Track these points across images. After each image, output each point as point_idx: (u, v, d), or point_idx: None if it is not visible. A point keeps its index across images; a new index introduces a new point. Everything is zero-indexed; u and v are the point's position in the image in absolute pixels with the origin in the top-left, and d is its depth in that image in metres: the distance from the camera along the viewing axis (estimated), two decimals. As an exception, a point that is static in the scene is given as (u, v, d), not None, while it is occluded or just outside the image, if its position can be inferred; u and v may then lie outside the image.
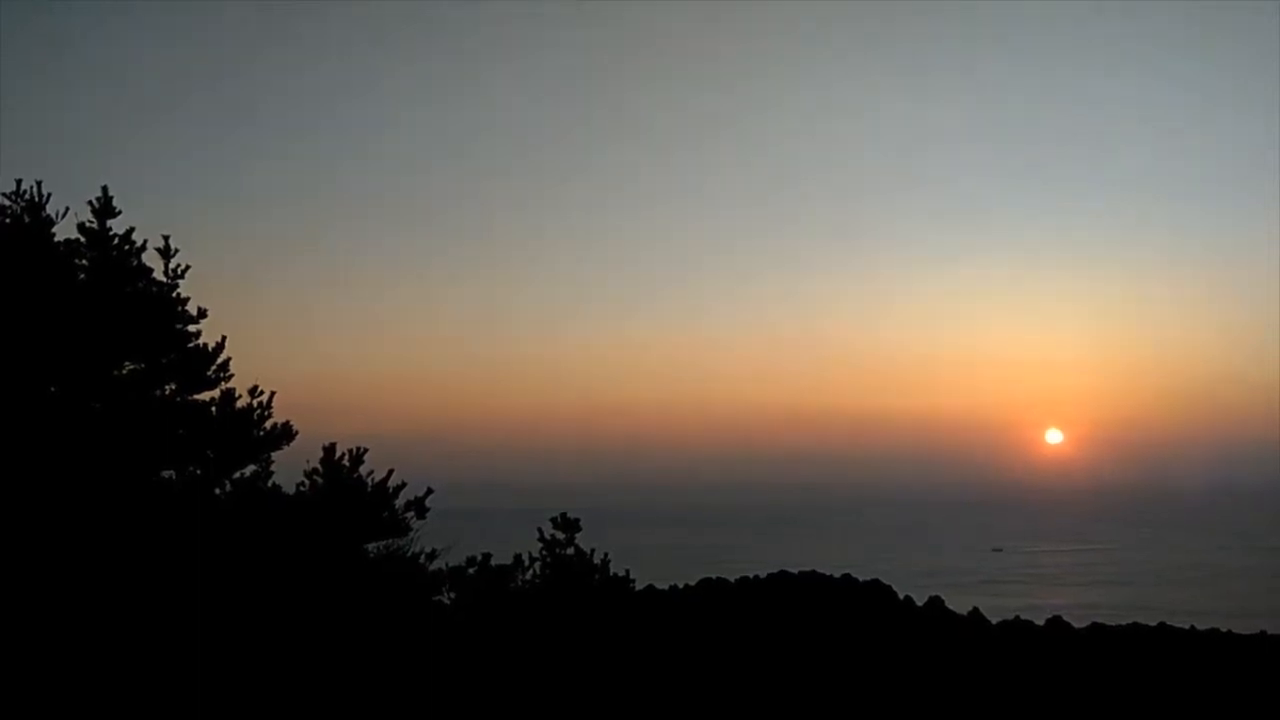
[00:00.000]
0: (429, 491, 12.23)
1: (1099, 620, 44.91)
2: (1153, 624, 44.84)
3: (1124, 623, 45.32)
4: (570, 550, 12.76)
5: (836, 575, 43.82)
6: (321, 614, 10.32)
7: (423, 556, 11.95)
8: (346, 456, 12.09)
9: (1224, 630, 44.79)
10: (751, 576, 44.09)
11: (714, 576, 44.22)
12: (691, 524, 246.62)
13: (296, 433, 12.85)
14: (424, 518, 12.12)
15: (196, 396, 12.67)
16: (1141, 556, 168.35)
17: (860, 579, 43.54)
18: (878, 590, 42.04)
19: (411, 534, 12.08)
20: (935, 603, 43.02)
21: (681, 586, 42.35)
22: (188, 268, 12.88)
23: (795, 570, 44.66)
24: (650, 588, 40.29)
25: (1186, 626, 44.72)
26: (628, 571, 14.42)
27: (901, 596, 42.95)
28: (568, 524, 12.71)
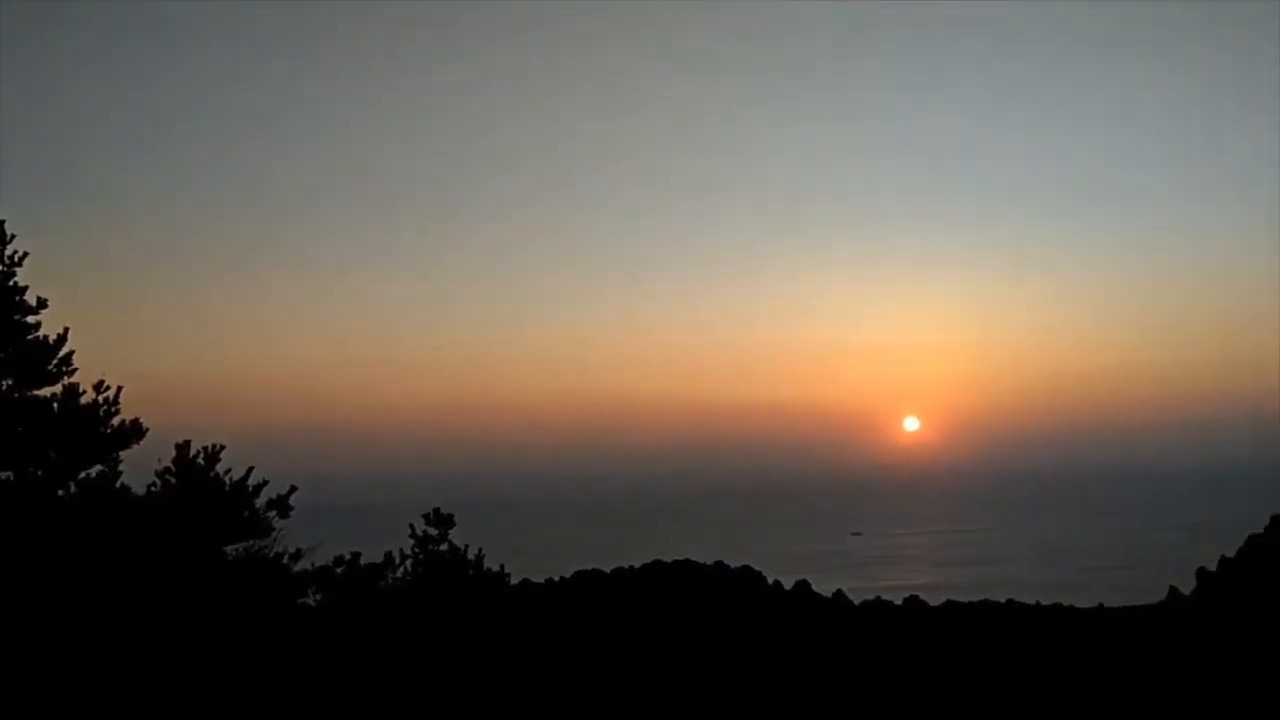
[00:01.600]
0: (292, 489, 11.76)
1: (953, 598, 47.31)
2: (1002, 600, 47.61)
3: (975, 599, 47.96)
4: (444, 547, 12.53)
5: (709, 563, 44.64)
6: (175, 619, 9.78)
7: (286, 557, 11.50)
8: (202, 454, 11.51)
9: (1066, 605, 47.97)
10: (626, 567, 44.41)
11: (589, 568, 44.26)
12: (571, 515, 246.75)
13: (147, 430, 12.14)
14: (287, 517, 11.66)
15: (36, 392, 11.82)
16: (994, 537, 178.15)
17: (732, 565, 44.48)
18: (749, 576, 43.04)
19: (274, 534, 11.59)
20: (802, 586, 44.40)
21: (557, 579, 42.30)
22: (25, 255, 12.00)
23: (669, 560, 45.23)
24: (525, 582, 40.07)
25: (1033, 602, 47.68)
26: (502, 566, 14.27)
27: (771, 581, 44.12)
28: (441, 520, 12.48)
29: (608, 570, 43.89)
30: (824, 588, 48.16)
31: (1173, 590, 48.73)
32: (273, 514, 11.56)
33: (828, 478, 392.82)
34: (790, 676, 27.46)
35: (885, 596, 50.08)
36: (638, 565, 44.14)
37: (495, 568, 13.51)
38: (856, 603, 45.61)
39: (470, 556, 12.97)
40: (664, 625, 35.25)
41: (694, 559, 44.96)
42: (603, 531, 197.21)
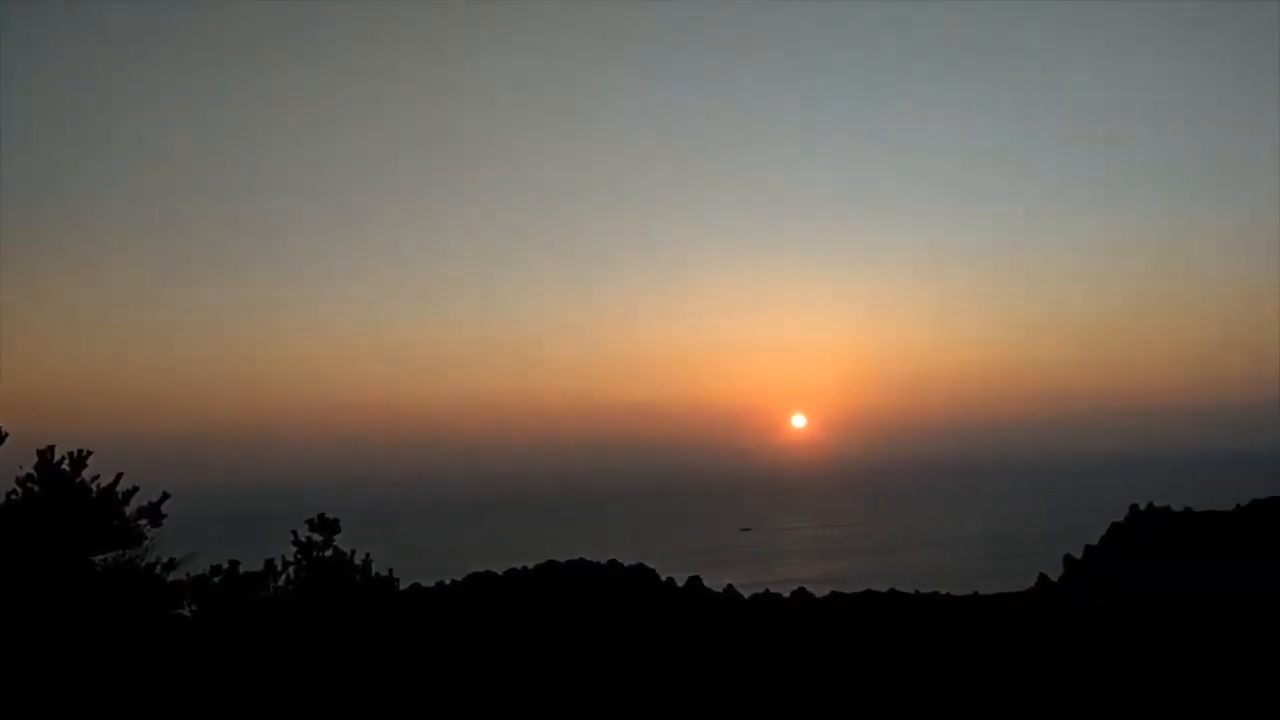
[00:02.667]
0: (165, 496, 11.19)
1: (838, 589, 48.61)
2: (884, 590, 49.17)
3: (859, 590, 49.40)
4: (329, 552, 12.14)
5: (603, 562, 44.64)
6: (37, 632, 9.17)
7: (159, 567, 10.93)
8: (66, 460, 10.84)
9: (944, 593, 49.90)
10: (520, 568, 43.99)
11: (481, 570, 43.65)
12: (461, 519, 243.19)
13: (6, 435, 11.38)
14: (159, 525, 11.09)
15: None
16: (877, 529, 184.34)
17: (626, 564, 44.58)
18: (642, 574, 43.23)
19: (146, 543, 11.01)
20: (694, 582, 44.86)
21: (449, 582, 41.56)
22: None
23: (563, 560, 45.04)
24: (416, 586, 39.22)
25: (912, 591, 49.41)
26: (391, 571, 13.89)
27: (664, 578, 44.44)
28: (325, 525, 12.08)
29: (500, 572, 43.40)
30: (715, 583, 48.80)
31: (1042, 576, 51.26)
32: (144, 522, 10.97)
33: (719, 475, 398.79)
34: (683, 673, 27.71)
35: (774, 589, 51.11)
36: (531, 566, 43.80)
37: (383, 572, 13.16)
38: (747, 596, 46.38)
39: (357, 562, 12.59)
40: (560, 625, 35.08)
41: (588, 558, 44.90)
42: (494, 533, 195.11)
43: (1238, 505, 46.64)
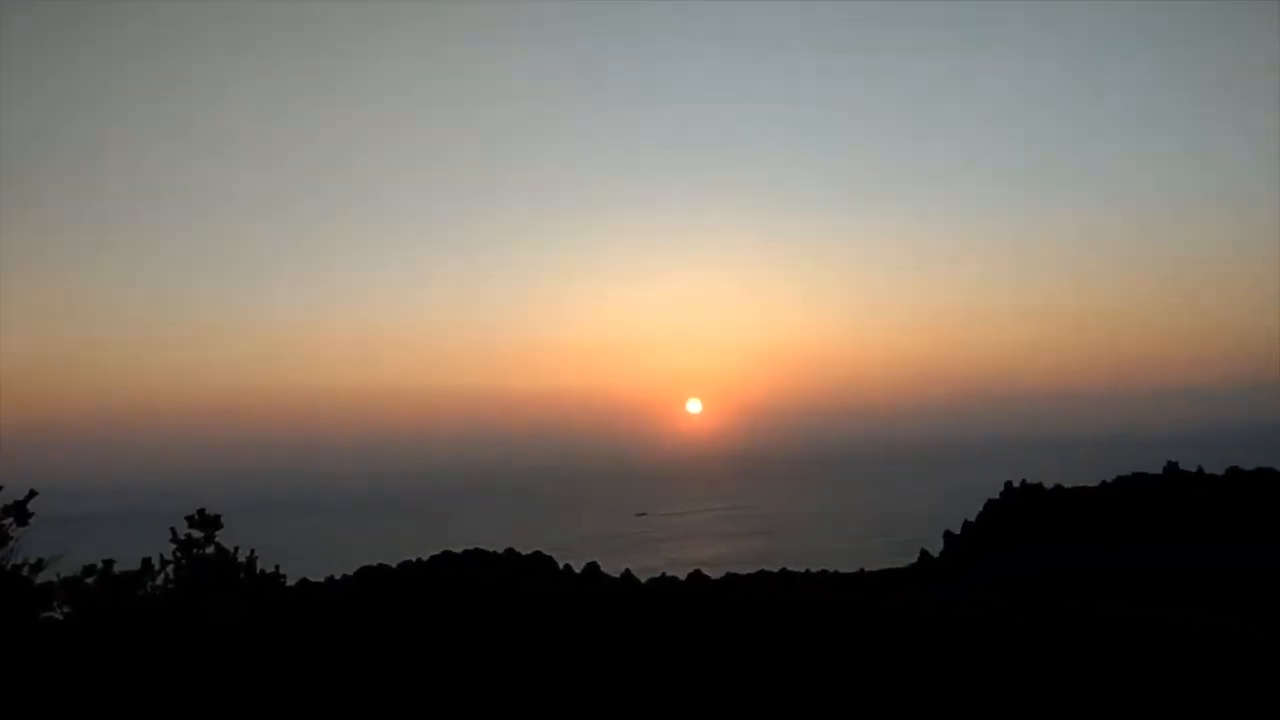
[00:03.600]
0: (31, 494, 10.63)
1: (733, 570, 49.63)
2: (775, 570, 50.46)
3: (753, 570, 50.58)
4: (210, 550, 11.73)
5: (500, 551, 44.48)
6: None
7: (26, 568, 10.40)
8: (-81, 459, 10.20)
9: (832, 571, 51.53)
10: (414, 560, 43.43)
11: (374, 564, 42.89)
12: (356, 511, 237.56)
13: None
14: (26, 524, 10.54)
15: None
16: (771, 512, 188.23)
17: (523, 552, 44.53)
18: (540, 561, 43.26)
19: (12, 543, 10.45)
20: (592, 568, 45.15)
21: (339, 577, 40.68)
22: None
23: (459, 550, 44.67)
24: (304, 581, 38.22)
25: (803, 570, 50.87)
26: (278, 567, 13.52)
27: (562, 565, 44.56)
28: (206, 521, 11.66)
29: (394, 565, 42.74)
30: (612, 568, 49.19)
31: (923, 552, 53.44)
32: (9, 521, 10.40)
33: (615, 462, 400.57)
34: (581, 657, 27.92)
35: (670, 573, 51.84)
36: (426, 558, 43.29)
37: (270, 569, 12.79)
38: (643, 580, 46.92)
39: (241, 559, 12.20)
40: (456, 616, 34.77)
41: (485, 548, 44.65)
42: (389, 526, 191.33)
43: (1103, 482, 49.52)
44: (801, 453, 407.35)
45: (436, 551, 44.44)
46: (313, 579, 39.64)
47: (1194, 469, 47.54)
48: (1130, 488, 45.48)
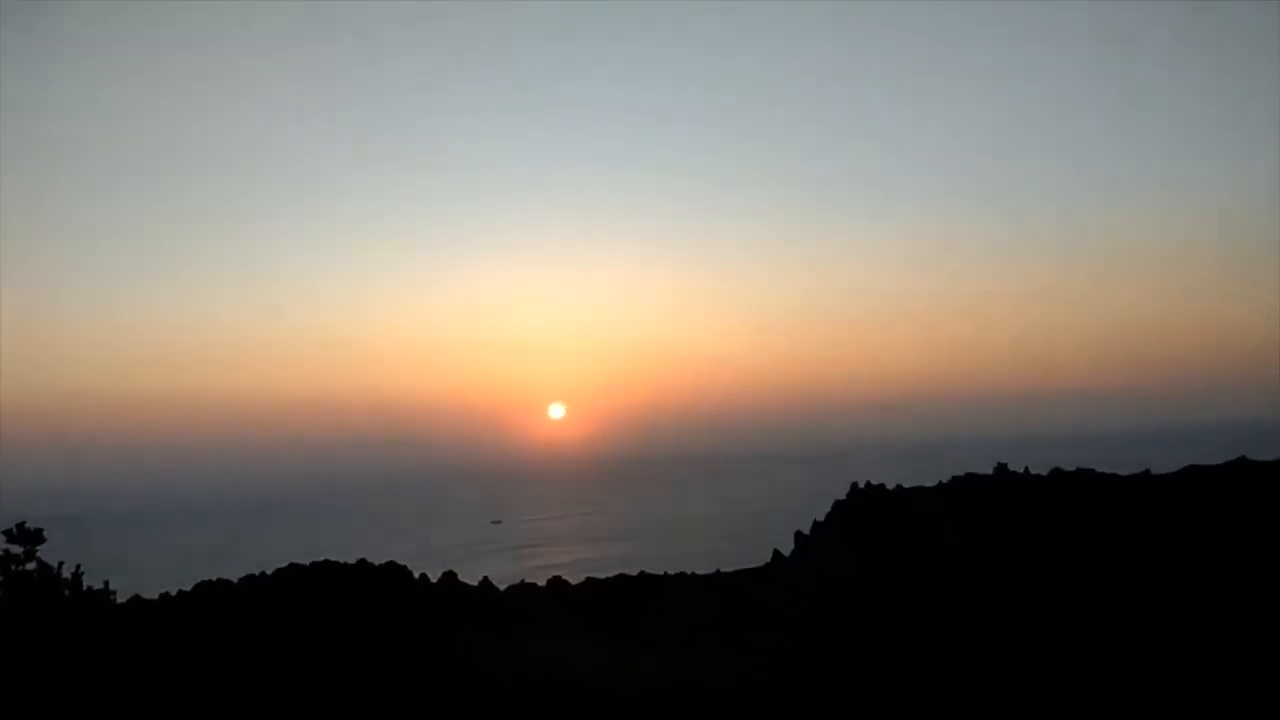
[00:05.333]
0: None
1: (592, 575, 49.83)
2: (634, 573, 50.95)
3: (612, 575, 50.87)
4: (31, 565, 11.00)
5: (351, 562, 43.05)
6: None
7: None
8: None
9: (690, 573, 52.42)
10: (259, 574, 41.54)
11: (213, 578, 40.78)
12: (196, 523, 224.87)
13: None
14: None
15: None
16: (632, 515, 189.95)
17: (375, 563, 43.27)
18: (393, 572, 42.16)
19: None
20: (449, 577, 44.38)
21: (175, 593, 38.47)
22: None
23: (307, 562, 42.99)
24: (136, 598, 35.93)
25: (661, 573, 51.54)
26: (107, 583, 12.76)
27: (417, 575, 43.57)
28: (26, 536, 10.94)
29: (235, 579, 40.77)
30: (470, 576, 48.52)
31: (776, 553, 55.08)
32: None
33: (472, 468, 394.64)
34: (440, 667, 27.44)
35: (530, 579, 51.54)
36: (270, 571, 41.47)
37: (98, 585, 12.11)
38: (503, 588, 46.49)
39: (66, 575, 11.52)
40: (303, 631, 33.52)
41: (334, 559, 43.13)
42: (233, 537, 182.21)
43: (940, 482, 52.34)
44: (666, 456, 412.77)
45: (283, 564, 42.68)
46: (145, 595, 37.36)
47: (1021, 469, 50.88)
48: (961, 486, 48.34)
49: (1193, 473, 48.84)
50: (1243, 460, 48.35)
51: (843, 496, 53.16)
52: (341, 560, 43.29)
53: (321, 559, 43.06)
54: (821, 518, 53.02)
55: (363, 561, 43.29)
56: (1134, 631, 26.88)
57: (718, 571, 53.42)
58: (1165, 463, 52.05)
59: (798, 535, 52.49)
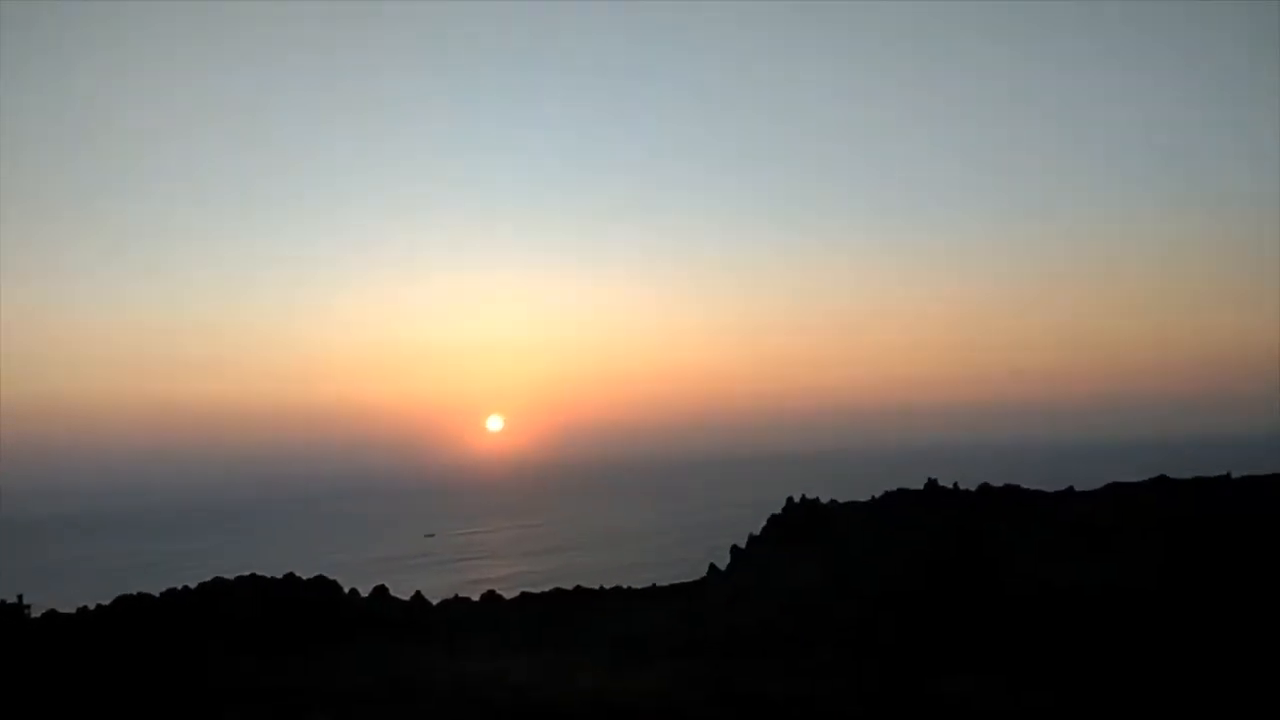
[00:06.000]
0: None
1: (527, 590, 49.42)
2: (570, 587, 50.69)
3: (548, 589, 50.54)
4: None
5: (279, 576, 42.13)
6: None
7: None
8: None
9: (627, 587, 52.35)
10: (180, 588, 40.40)
11: (134, 592, 39.50)
12: (125, 531, 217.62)
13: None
14: None
15: None
16: (569, 528, 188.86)
17: (304, 577, 42.41)
18: (322, 585, 41.36)
19: None
20: (380, 591, 43.67)
21: (94, 607, 37.16)
22: None
23: (232, 576, 41.96)
24: (52, 612, 34.61)
25: (598, 586, 51.39)
26: (20, 597, 12.30)
27: (347, 589, 42.79)
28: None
29: (158, 594, 39.59)
30: (403, 590, 47.81)
31: (712, 566, 55.34)
32: None
33: (404, 480, 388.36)
34: (372, 680, 26.94)
35: (464, 593, 50.97)
36: (194, 585, 40.36)
37: (12, 598, 11.68)
38: (435, 602, 45.89)
39: (-24, 589, 11.10)
40: (224, 647, 32.65)
41: (261, 573, 42.15)
42: (159, 549, 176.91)
43: (872, 496, 53.22)
44: (606, 468, 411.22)
45: (208, 578, 41.59)
46: (62, 609, 36.06)
47: (950, 484, 52.03)
48: (892, 500, 49.27)
49: (1114, 489, 50.45)
50: (1162, 478, 50.09)
51: (778, 510, 53.68)
52: (268, 574, 42.32)
53: (248, 573, 42.05)
54: (758, 531, 53.44)
55: (291, 575, 42.35)
56: (1043, 638, 27.63)
57: (654, 584, 53.45)
58: (1128, 474, 53.52)
59: (734, 549, 52.83)
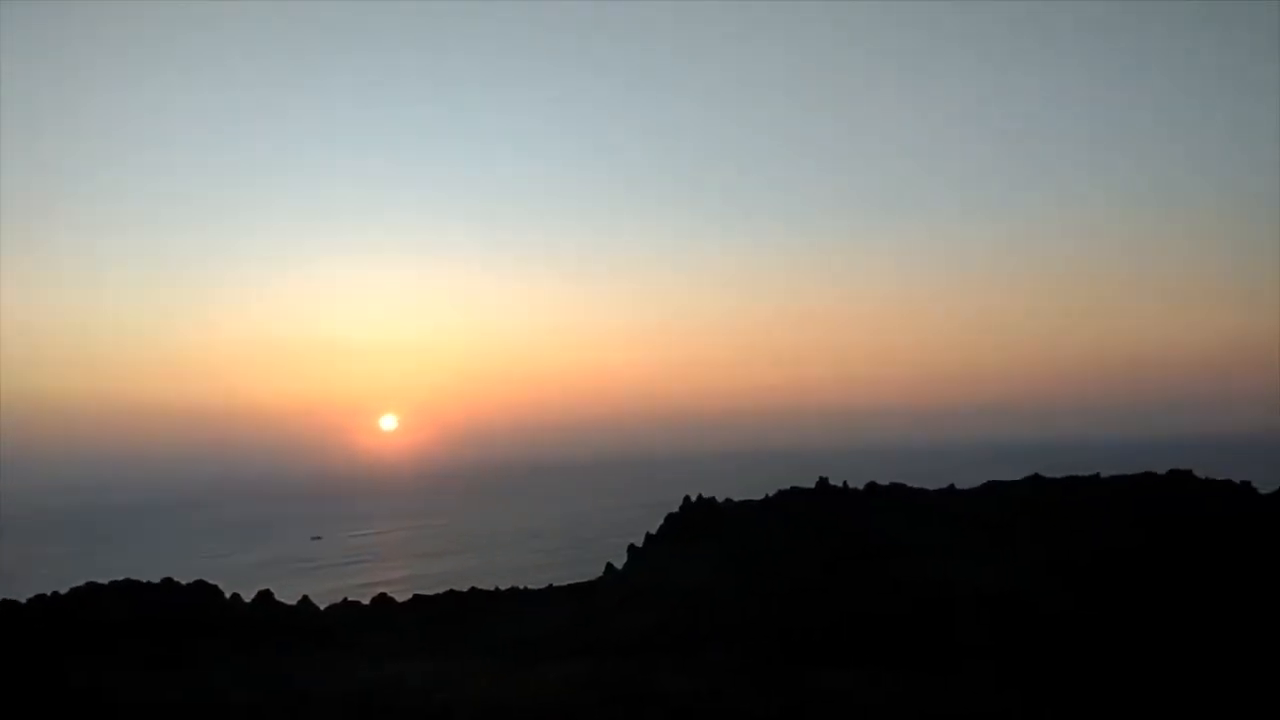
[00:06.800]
0: None
1: (420, 592, 48.54)
2: (465, 589, 50.02)
3: (442, 591, 49.74)
4: None
5: (157, 581, 40.31)
6: None
7: None
8: None
9: (522, 587, 51.95)
10: (50, 594, 38.23)
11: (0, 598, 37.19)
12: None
13: None
14: None
15: None
16: (466, 529, 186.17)
17: (183, 582, 40.68)
18: (202, 590, 39.75)
19: None
20: (265, 596, 42.23)
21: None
22: None
23: (106, 581, 39.91)
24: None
25: (493, 588, 50.85)
26: None
27: (229, 595, 41.23)
28: None
29: (24, 599, 37.36)
30: (289, 595, 46.31)
31: (609, 565, 55.40)
32: None
33: (291, 481, 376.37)
34: (258, 690, 25.99)
35: (354, 597, 49.73)
36: (65, 591, 38.25)
37: None
38: (323, 607, 44.64)
39: None
40: (93, 655, 31.06)
41: (137, 579, 40.23)
42: (30, 553, 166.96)
43: (766, 495, 54.10)
44: (504, 467, 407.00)
45: (80, 583, 39.45)
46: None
47: (840, 483, 53.34)
48: (786, 498, 50.22)
49: (992, 487, 52.62)
50: (1036, 477, 52.51)
51: (675, 509, 54.05)
52: (145, 579, 40.44)
53: (124, 578, 40.10)
54: (654, 530, 53.71)
55: (168, 580, 40.57)
56: (928, 631, 28.66)
57: (550, 585, 53.18)
58: (1004, 474, 55.70)
59: (631, 548, 53.00)
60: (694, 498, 53.09)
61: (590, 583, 53.30)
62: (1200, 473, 47.50)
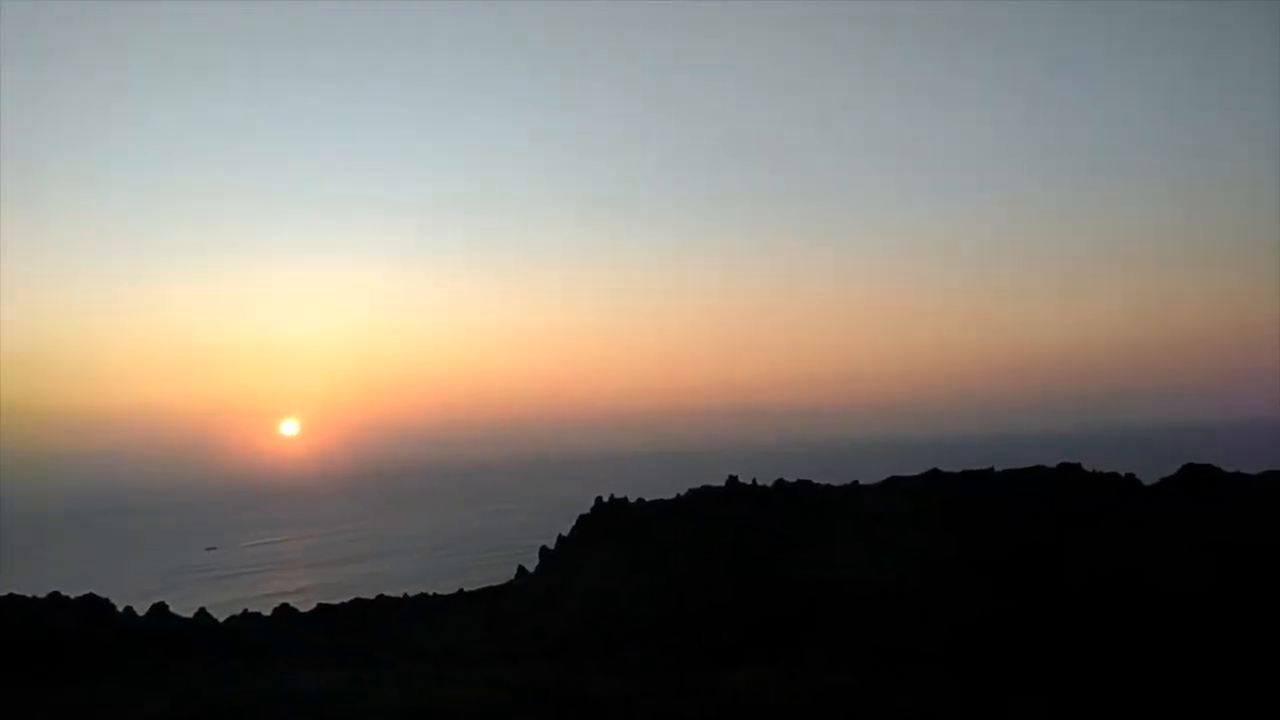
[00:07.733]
0: None
1: (324, 601, 47.40)
2: (372, 597, 49.03)
3: (347, 600, 48.65)
4: None
5: (42, 596, 38.31)
6: None
7: None
8: None
9: (431, 593, 51.13)
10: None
11: None
12: None
13: None
14: None
15: None
16: (372, 535, 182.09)
17: (72, 596, 38.76)
18: (92, 604, 37.94)
19: None
20: (159, 609, 40.58)
21: None
22: None
23: (-14, 597, 37.69)
24: None
25: (401, 594, 49.94)
26: None
27: (122, 608, 39.46)
28: None
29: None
30: (186, 607, 44.60)
31: (520, 568, 54.98)
32: None
33: (184, 488, 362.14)
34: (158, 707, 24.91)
35: (254, 608, 48.23)
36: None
37: None
38: (222, 620, 43.10)
39: None
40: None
41: (19, 593, 38.15)
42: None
43: (677, 494, 54.53)
44: (411, 471, 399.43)
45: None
46: None
47: (750, 481, 54.11)
48: (697, 497, 50.67)
49: (894, 483, 54.12)
50: (935, 471, 54.22)
51: (588, 510, 54.00)
52: (30, 594, 38.39)
53: (6, 593, 37.98)
54: (567, 532, 53.55)
55: (55, 595, 38.60)
56: (836, 624, 29.36)
57: (460, 590, 52.50)
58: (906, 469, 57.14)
59: (542, 550, 52.73)
60: (606, 499, 53.13)
61: (501, 586, 52.82)
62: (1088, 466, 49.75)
